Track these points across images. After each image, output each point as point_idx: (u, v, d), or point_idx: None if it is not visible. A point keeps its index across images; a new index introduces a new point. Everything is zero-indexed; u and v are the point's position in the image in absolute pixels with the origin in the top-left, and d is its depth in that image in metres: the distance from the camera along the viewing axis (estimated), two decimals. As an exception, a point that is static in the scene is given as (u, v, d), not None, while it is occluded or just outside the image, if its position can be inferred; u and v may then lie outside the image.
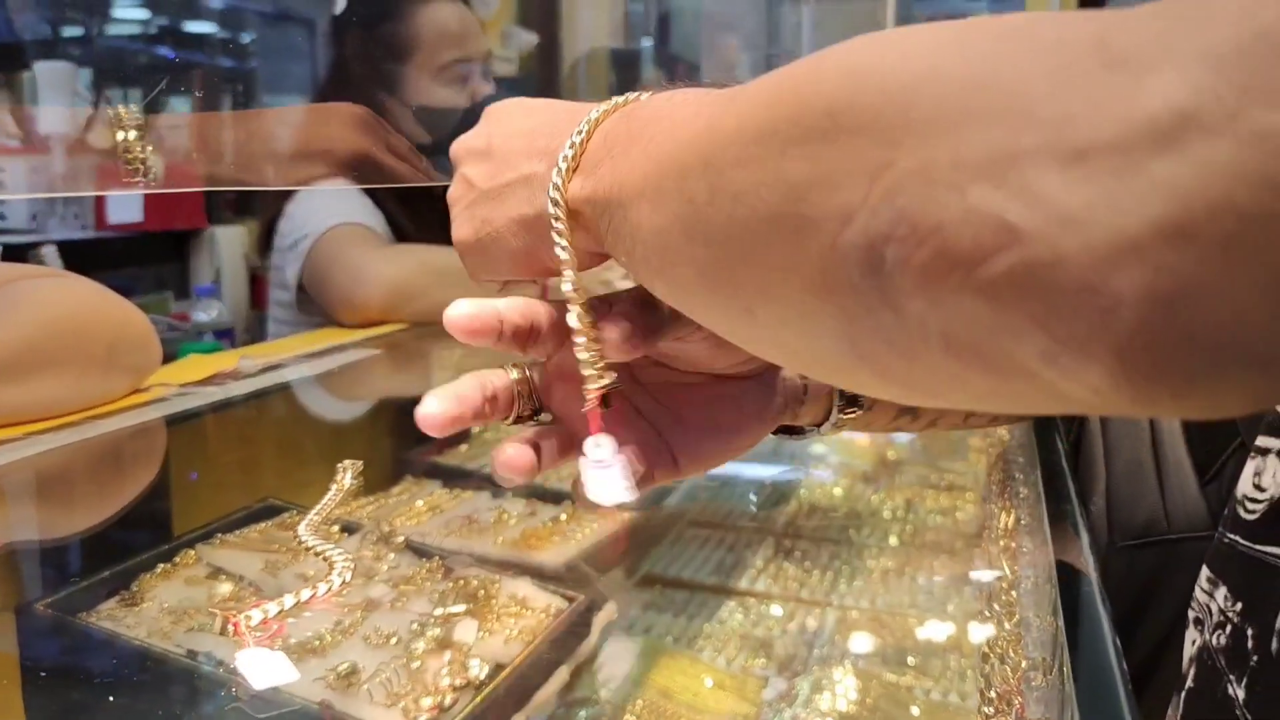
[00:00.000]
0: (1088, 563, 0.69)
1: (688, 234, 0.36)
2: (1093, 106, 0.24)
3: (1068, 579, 0.65)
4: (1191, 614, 0.58)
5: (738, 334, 0.38)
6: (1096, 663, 0.45)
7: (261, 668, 0.56)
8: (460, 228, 0.51)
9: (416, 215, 1.51)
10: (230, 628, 0.49)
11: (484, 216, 0.49)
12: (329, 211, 1.47)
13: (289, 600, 0.49)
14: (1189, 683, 0.57)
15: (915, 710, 0.98)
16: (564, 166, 0.43)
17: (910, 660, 1.08)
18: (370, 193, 1.46)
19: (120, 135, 0.88)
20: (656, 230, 0.37)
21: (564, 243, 0.44)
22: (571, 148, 0.43)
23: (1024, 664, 0.46)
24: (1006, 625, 0.49)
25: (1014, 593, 0.73)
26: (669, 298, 0.41)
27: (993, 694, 0.46)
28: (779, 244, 0.31)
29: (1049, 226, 0.24)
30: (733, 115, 0.34)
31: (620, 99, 0.45)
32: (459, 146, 0.52)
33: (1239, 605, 0.52)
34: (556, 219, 0.44)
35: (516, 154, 0.48)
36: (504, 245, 0.49)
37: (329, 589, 0.51)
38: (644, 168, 0.39)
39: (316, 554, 0.56)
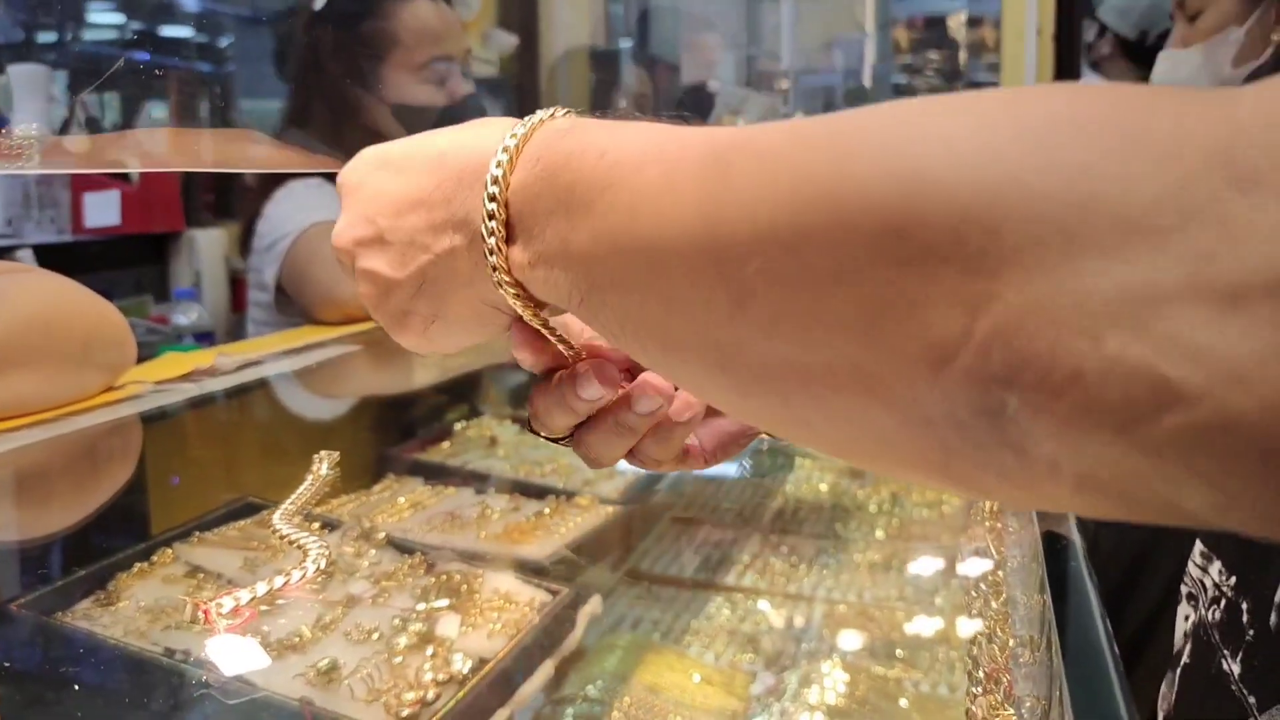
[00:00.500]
0: (1075, 539, 0.68)
1: (712, 341, 0.32)
2: (1234, 241, 0.22)
3: (1055, 556, 0.65)
4: (1184, 589, 0.57)
5: (774, 429, 0.35)
6: (1085, 638, 0.44)
7: (232, 654, 0.55)
8: (400, 330, 0.48)
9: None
10: (200, 615, 0.48)
11: (425, 312, 0.46)
12: (307, 211, 1.46)
13: (261, 588, 0.48)
14: (1185, 659, 0.57)
15: (904, 702, 0.97)
16: (494, 244, 0.39)
17: (899, 653, 1.07)
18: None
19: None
20: (659, 324, 0.34)
21: (530, 315, 0.42)
22: (493, 219, 0.39)
23: (1011, 642, 0.45)
24: (994, 604, 0.48)
25: (1000, 572, 0.72)
26: (681, 385, 0.39)
27: (980, 674, 0.45)
28: (844, 371, 0.29)
29: (1216, 385, 0.22)
30: (735, 208, 0.30)
31: (510, 140, 0.40)
32: (341, 241, 0.48)
33: (1233, 580, 0.51)
34: (516, 297, 0.41)
35: (417, 232, 0.44)
36: (462, 327, 0.46)
37: (303, 575, 0.49)
38: (614, 249, 0.35)
39: (290, 542, 0.55)
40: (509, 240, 0.40)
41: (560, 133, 0.39)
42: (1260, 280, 0.21)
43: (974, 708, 0.42)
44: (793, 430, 0.33)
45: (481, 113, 1.58)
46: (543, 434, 0.49)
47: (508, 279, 0.40)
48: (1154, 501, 0.24)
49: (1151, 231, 0.23)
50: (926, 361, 0.26)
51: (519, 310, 0.42)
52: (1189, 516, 0.24)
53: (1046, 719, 0.39)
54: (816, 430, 0.32)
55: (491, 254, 0.40)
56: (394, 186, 0.45)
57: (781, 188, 0.29)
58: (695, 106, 2.33)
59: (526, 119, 0.41)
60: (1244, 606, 0.50)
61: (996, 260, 0.24)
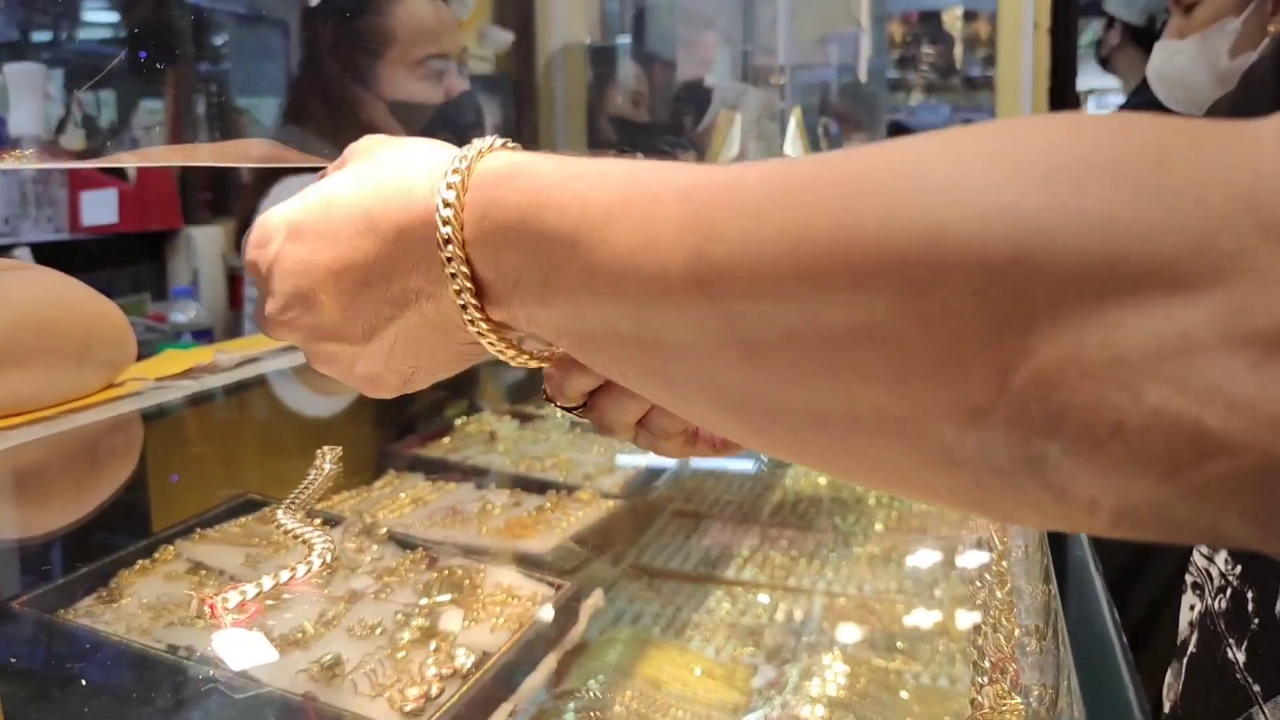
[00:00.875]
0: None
1: (720, 387, 0.32)
2: (1268, 290, 0.22)
3: (1059, 545, 0.65)
4: (1190, 579, 0.57)
5: (792, 460, 0.35)
6: (1092, 627, 0.44)
7: (239, 649, 0.55)
8: (377, 388, 0.46)
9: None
10: (206, 610, 0.48)
11: (402, 368, 0.44)
12: None
13: (267, 582, 0.48)
14: (1191, 648, 0.56)
15: (905, 694, 0.97)
16: (467, 300, 0.38)
17: (899, 645, 1.08)
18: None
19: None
20: (660, 371, 0.33)
21: (522, 359, 0.40)
22: (456, 278, 0.37)
23: (1017, 631, 0.45)
24: (999, 594, 0.48)
25: (1004, 562, 0.72)
26: (689, 420, 0.38)
27: (986, 663, 0.45)
28: (868, 416, 0.28)
29: (1258, 433, 0.22)
30: (730, 265, 0.29)
31: (448, 192, 0.37)
32: (279, 324, 0.44)
33: (1239, 569, 0.51)
34: (506, 346, 0.39)
35: (374, 303, 0.41)
36: (444, 368, 0.45)
37: (309, 570, 0.49)
38: (597, 306, 0.34)
39: (295, 537, 0.55)
40: (477, 295, 0.38)
41: (503, 180, 0.37)
42: None
43: (980, 698, 0.43)
44: (811, 463, 0.33)
45: (478, 110, 1.56)
46: (559, 402, 0.48)
47: (489, 327, 0.38)
48: (1193, 530, 0.25)
49: (1183, 283, 0.23)
50: (960, 413, 0.26)
51: (511, 358, 0.40)
52: (1227, 541, 0.25)
53: (1055, 708, 0.39)
54: (835, 465, 0.31)
55: (466, 309, 0.38)
56: (326, 257, 0.42)
57: (778, 241, 0.28)
58: (692, 102, 2.34)
59: (452, 159, 0.38)
60: (1249, 595, 0.50)
61: (1026, 316, 0.24)
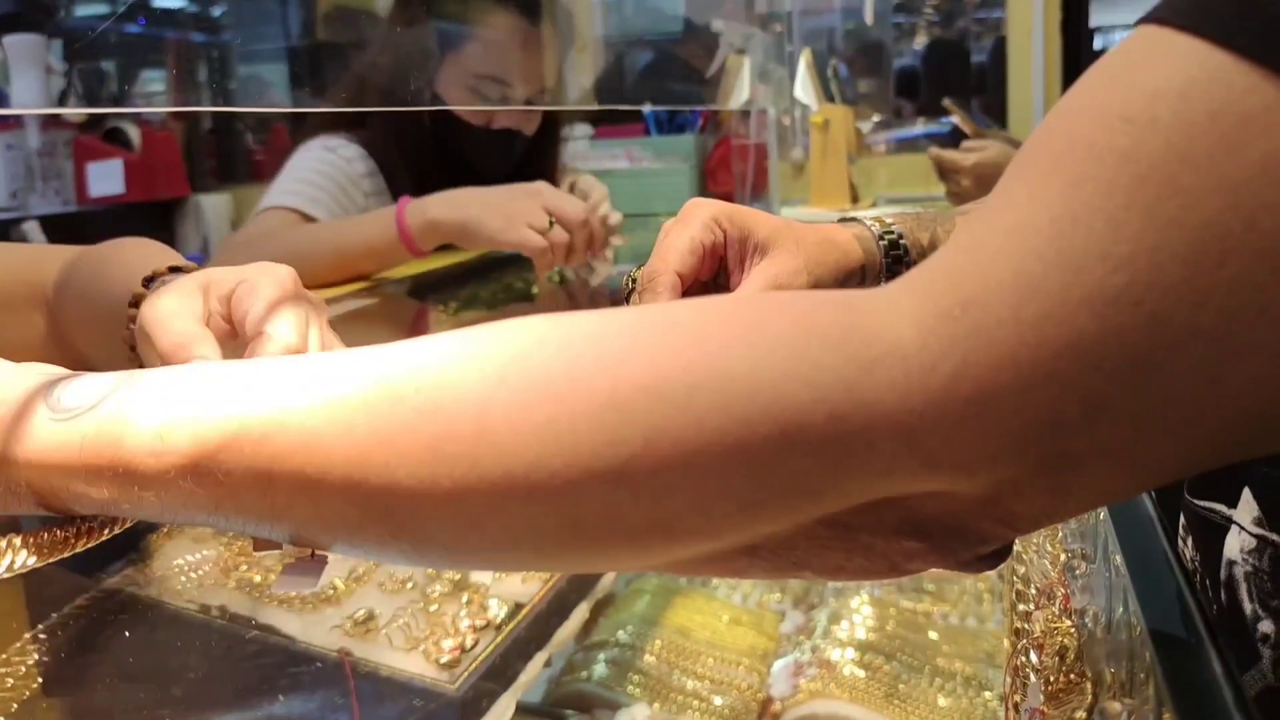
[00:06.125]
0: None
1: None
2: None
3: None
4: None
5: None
6: (1149, 552, 0.43)
7: (268, 609, 0.54)
8: None
9: (421, 170, 1.42)
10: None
11: None
12: (278, 190, 1.39)
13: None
14: None
15: (933, 635, 0.98)
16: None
17: (927, 586, 1.08)
18: (370, 142, 1.38)
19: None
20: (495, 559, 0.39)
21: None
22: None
23: (1063, 556, 0.45)
24: (1039, 523, 0.48)
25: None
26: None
27: (1031, 591, 0.44)
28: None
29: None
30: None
31: None
32: None
33: (1199, 556, 0.50)
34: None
35: None
36: None
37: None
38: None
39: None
40: None
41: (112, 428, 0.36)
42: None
43: (1026, 625, 0.42)
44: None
45: (508, 157, 1.47)
46: None
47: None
48: None
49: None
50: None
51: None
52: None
53: (1110, 628, 0.38)
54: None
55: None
56: None
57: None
58: (700, 47, 2.31)
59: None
60: (1208, 582, 0.50)
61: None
